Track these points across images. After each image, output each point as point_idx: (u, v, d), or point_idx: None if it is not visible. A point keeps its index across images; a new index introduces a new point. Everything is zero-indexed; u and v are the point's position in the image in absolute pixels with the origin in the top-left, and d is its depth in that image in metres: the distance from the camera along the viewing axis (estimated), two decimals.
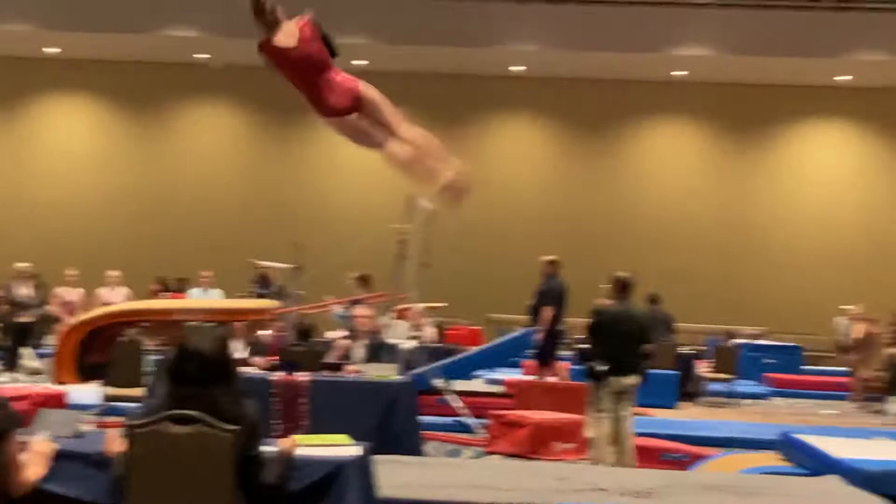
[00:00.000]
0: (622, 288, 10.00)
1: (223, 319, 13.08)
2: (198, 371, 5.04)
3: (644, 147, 29.70)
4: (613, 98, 29.48)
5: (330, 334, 14.90)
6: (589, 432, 9.78)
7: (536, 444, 11.08)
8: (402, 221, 12.55)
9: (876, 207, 29.65)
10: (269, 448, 5.31)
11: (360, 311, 11.38)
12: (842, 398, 19.99)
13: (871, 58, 27.01)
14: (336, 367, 10.09)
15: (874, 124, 29.73)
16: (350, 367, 10.77)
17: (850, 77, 28.37)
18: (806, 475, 9.00)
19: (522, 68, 29.03)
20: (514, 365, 19.92)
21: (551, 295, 14.49)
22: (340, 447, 5.71)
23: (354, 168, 30.07)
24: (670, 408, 16.51)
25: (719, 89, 29.23)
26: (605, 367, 9.55)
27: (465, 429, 12.42)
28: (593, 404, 9.71)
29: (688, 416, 15.43)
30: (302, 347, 11.81)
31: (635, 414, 13.02)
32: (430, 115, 20.63)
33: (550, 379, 14.25)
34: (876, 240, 29.25)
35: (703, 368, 19.38)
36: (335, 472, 5.52)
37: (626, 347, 9.72)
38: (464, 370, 14.90)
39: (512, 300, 23.01)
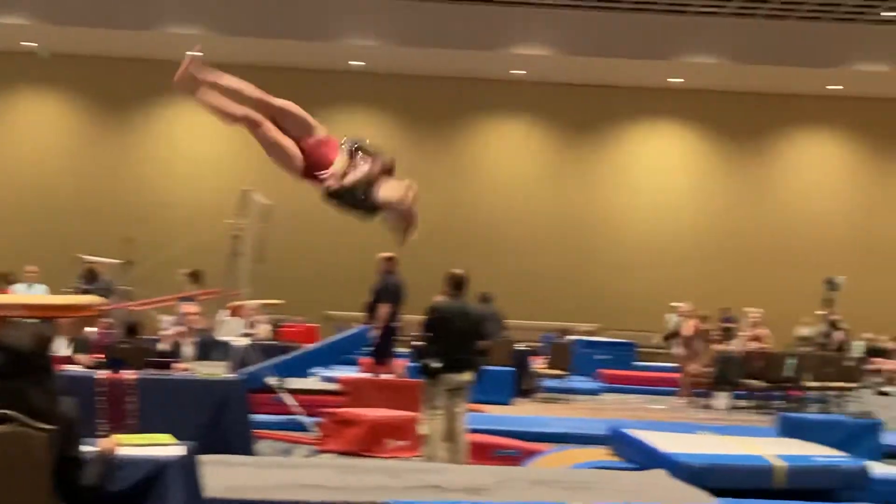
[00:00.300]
0: (456, 285, 9.99)
1: (45, 315, 12.64)
2: (8, 366, 4.83)
3: (482, 145, 29.90)
4: (452, 96, 29.67)
5: (160, 329, 14.61)
6: (423, 429, 9.75)
7: (370, 442, 11.01)
8: (235, 216, 12.32)
9: (706, 207, 30.45)
10: (89, 448, 5.11)
11: (190, 307, 11.11)
12: (672, 393, 20.43)
13: (701, 60, 27.71)
14: (165, 366, 9.84)
15: (706, 126, 30.51)
16: (180, 365, 10.53)
17: (681, 80, 29.05)
18: (634, 469, 9.13)
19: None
20: (351, 362, 19.83)
21: (388, 292, 14.42)
22: (163, 447, 5.54)
23: (189, 161, 29.61)
24: (506, 404, 16.63)
25: (557, 89, 29.60)
26: (439, 364, 9.52)
27: (299, 427, 12.29)
28: (427, 401, 9.68)
29: (522, 413, 15.56)
30: (129, 345, 11.50)
31: (471, 410, 13.07)
32: None
33: (385, 376, 14.18)
34: (706, 239, 30.03)
35: (538, 365, 19.57)
36: (157, 472, 5.37)
37: (461, 344, 9.72)
38: (299, 368, 14.73)
39: (349, 297, 22.91)
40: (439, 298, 10.59)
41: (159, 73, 28.79)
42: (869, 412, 15.62)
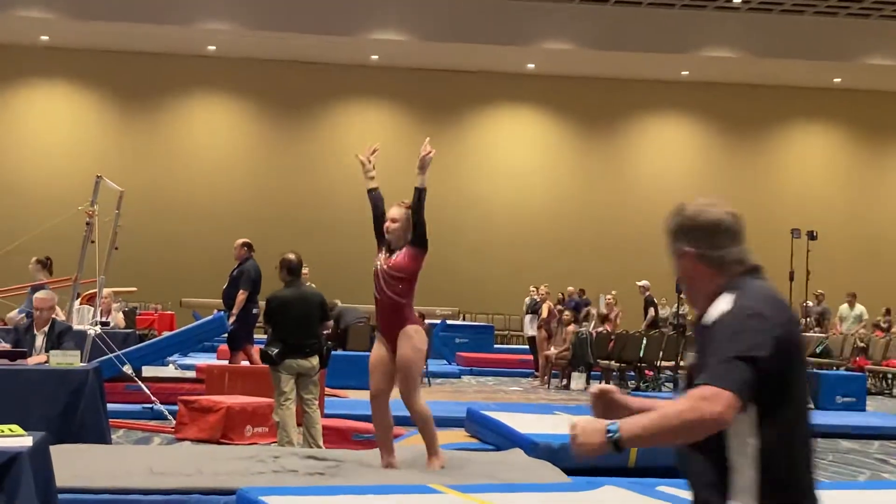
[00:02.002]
0: (290, 270, 9.96)
1: None
2: None
3: (340, 128, 29.85)
4: (312, 82, 29.58)
5: (10, 316, 14.28)
6: (274, 416, 9.72)
7: (228, 429, 10.93)
8: (88, 203, 12.07)
9: (562, 191, 30.90)
10: None
11: (41, 296, 10.86)
12: (530, 375, 20.70)
13: (556, 47, 28.09)
14: (14, 356, 9.59)
15: (560, 112, 30.95)
16: (33, 356, 10.29)
17: (533, 65, 29.43)
18: (491, 450, 9.25)
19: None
20: (209, 349, 19.67)
21: (245, 278, 14.29)
22: (11, 438, 5.42)
23: (39, 147, 28.94)
24: (364, 389, 16.62)
25: (412, 74, 29.72)
26: (276, 350, 9.52)
27: (155, 416, 12.16)
28: (276, 388, 9.66)
29: None
30: None
31: (329, 395, 13.07)
32: None
33: (243, 363, 14.08)
34: (562, 223, 30.47)
35: None
36: (8, 463, 5.25)
37: (302, 330, 9.71)
38: (156, 356, 14.57)
39: (205, 284, 22.70)
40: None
41: (8, 57, 28.12)
42: None
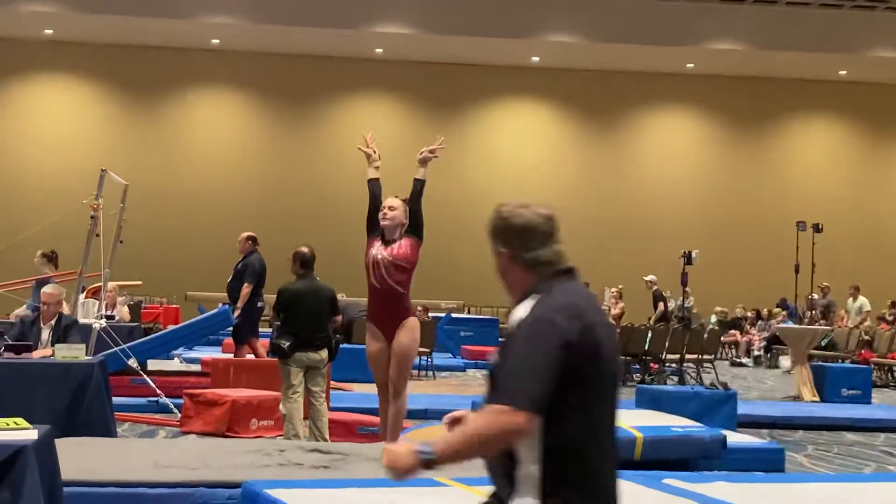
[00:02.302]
0: (303, 263, 9.93)
1: None
2: None
3: (344, 122, 29.83)
4: (316, 76, 29.56)
5: (17, 313, 14.26)
6: (281, 409, 9.72)
7: (233, 422, 10.94)
8: (93, 196, 12.07)
9: (567, 184, 30.85)
10: None
11: (48, 290, 10.86)
12: None
13: (560, 40, 28.06)
14: (19, 349, 9.60)
15: (565, 105, 30.91)
16: (38, 350, 10.29)
17: (537, 58, 29.40)
18: None
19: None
20: (214, 343, 19.68)
21: (249, 272, 14.28)
22: (16, 431, 5.41)
23: (45, 141, 28.95)
24: (368, 382, 16.62)
25: (416, 67, 29.72)
26: (287, 343, 9.50)
27: (161, 409, 12.17)
28: (284, 381, 9.66)
29: None
30: None
31: (335, 388, 13.07)
32: None
33: (248, 356, 14.07)
34: (567, 216, 30.29)
35: None
36: (13, 457, 5.24)
37: (312, 323, 9.69)
38: (161, 349, 14.56)
39: (210, 278, 22.70)
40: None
41: (13, 51, 28.11)
42: (724, 383, 16.06)
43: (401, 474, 3.10)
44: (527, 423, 3.00)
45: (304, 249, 9.97)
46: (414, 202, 8.05)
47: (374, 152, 8.42)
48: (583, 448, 3.13)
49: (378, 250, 8.01)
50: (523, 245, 3.35)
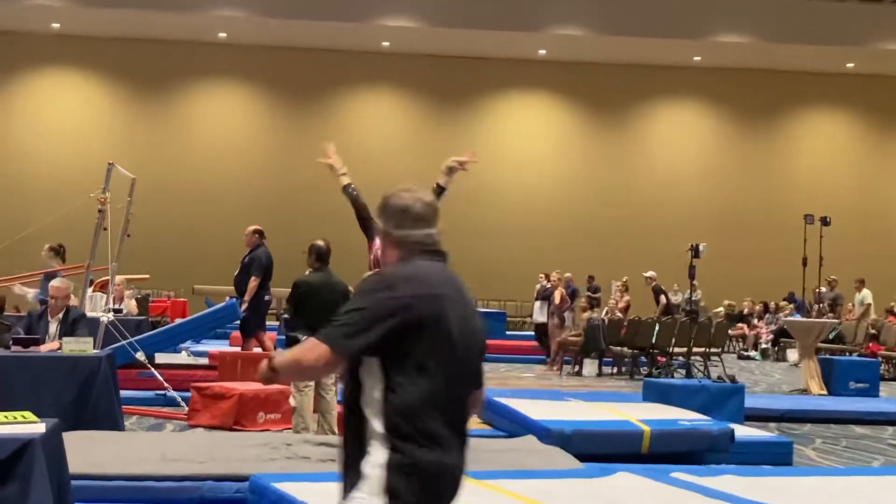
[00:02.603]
0: (319, 256, 9.90)
1: None
2: None
3: (351, 115, 29.84)
4: (323, 69, 29.53)
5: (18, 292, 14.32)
6: (292, 402, 9.70)
7: (240, 416, 10.94)
8: (100, 190, 12.07)
9: (574, 178, 30.83)
10: None
11: (56, 284, 10.87)
12: (542, 362, 20.66)
13: (567, 32, 28.03)
14: (27, 342, 9.60)
15: (572, 98, 30.87)
16: (46, 343, 10.30)
17: (544, 51, 29.36)
18: (503, 437, 9.24)
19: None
20: (222, 336, 19.69)
21: (256, 265, 14.26)
22: (23, 425, 5.40)
23: (52, 134, 28.97)
24: None
25: (423, 61, 29.70)
26: (305, 336, 9.45)
27: (168, 402, 12.17)
28: None
29: None
30: None
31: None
32: None
33: (255, 350, 14.07)
34: (574, 209, 30.42)
35: None
36: (21, 450, 5.23)
37: (328, 316, 9.63)
38: (168, 342, 14.58)
39: (218, 271, 22.71)
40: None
41: (20, 45, 28.12)
42: (732, 376, 16.05)
43: (262, 376, 3.48)
44: (334, 362, 3.39)
45: (321, 243, 9.93)
46: None
47: (336, 162, 8.24)
48: (420, 410, 3.36)
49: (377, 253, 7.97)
50: (398, 224, 3.61)
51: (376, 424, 3.37)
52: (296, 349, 3.49)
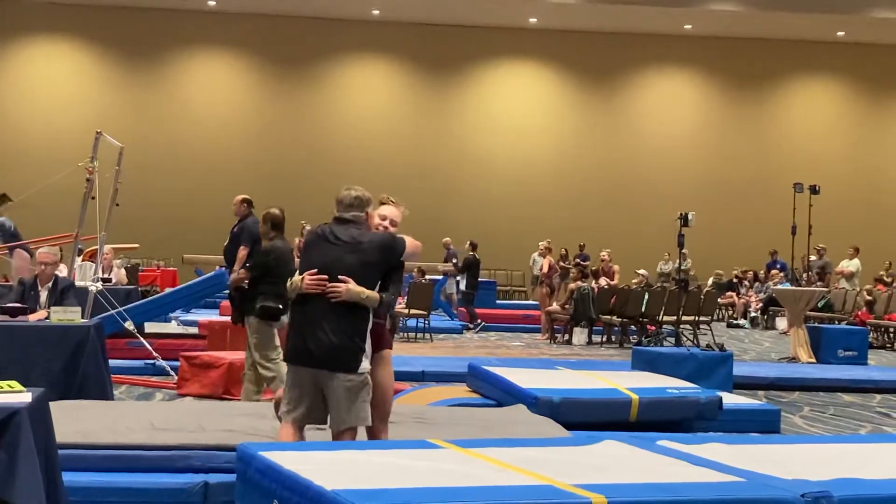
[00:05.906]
0: (275, 225, 9.83)
1: None
2: None
3: (341, 83, 29.75)
4: (313, 37, 29.39)
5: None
6: (266, 372, 9.67)
7: (229, 385, 10.96)
8: (88, 159, 12.02)
9: (565, 147, 30.80)
10: None
11: (44, 251, 10.84)
12: (533, 331, 20.71)
13: (558, 0, 27.92)
14: (15, 311, 9.59)
15: (563, 66, 30.80)
16: (35, 313, 10.28)
17: (535, 19, 29.27)
18: (493, 406, 9.26)
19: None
20: (211, 306, 19.69)
21: (246, 235, 14.20)
22: (10, 394, 5.40)
23: (40, 103, 28.86)
24: None
25: (413, 29, 29.60)
26: (279, 306, 9.40)
27: (157, 372, 12.18)
28: (266, 344, 9.61)
29: None
30: None
31: None
32: None
33: None
34: (565, 178, 30.39)
35: (399, 305, 19.61)
36: (7, 420, 5.22)
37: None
38: (158, 312, 14.57)
39: (207, 241, 22.68)
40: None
41: (9, 13, 27.96)
42: (720, 344, 16.10)
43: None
44: None
45: (276, 211, 9.81)
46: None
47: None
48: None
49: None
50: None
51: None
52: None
